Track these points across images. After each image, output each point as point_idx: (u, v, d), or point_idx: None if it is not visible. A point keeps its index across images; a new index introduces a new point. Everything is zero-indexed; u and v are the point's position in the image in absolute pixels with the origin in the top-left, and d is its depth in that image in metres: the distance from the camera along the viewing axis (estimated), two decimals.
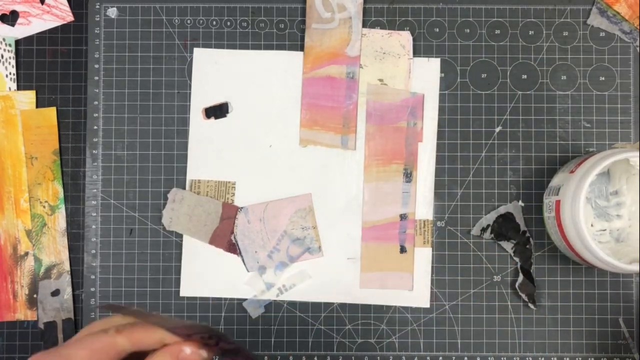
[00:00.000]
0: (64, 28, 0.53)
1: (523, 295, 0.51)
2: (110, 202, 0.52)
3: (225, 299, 0.52)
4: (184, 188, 0.52)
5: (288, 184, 0.52)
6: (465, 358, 0.52)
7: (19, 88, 0.53)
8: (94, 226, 0.52)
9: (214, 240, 0.52)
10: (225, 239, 0.52)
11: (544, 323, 0.52)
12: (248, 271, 0.52)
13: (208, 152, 0.52)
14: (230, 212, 0.52)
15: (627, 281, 0.52)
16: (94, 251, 0.52)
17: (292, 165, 0.52)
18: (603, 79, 0.52)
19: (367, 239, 0.52)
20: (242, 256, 0.52)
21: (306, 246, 0.52)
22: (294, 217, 0.51)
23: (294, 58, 0.52)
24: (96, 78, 0.53)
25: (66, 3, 0.53)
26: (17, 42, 0.53)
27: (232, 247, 0.52)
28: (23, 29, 0.53)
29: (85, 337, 0.35)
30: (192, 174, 0.52)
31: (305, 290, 0.52)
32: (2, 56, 0.53)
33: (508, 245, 0.52)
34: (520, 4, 0.53)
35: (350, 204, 0.52)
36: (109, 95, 0.53)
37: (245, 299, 0.52)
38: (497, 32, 0.53)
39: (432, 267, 0.52)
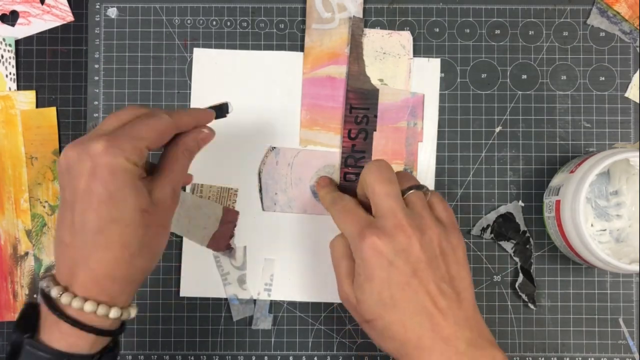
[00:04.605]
0: (64, 28, 0.53)
1: (523, 295, 0.51)
2: None
3: (225, 299, 0.52)
4: (184, 188, 0.52)
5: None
6: None
7: (19, 88, 0.53)
8: None
9: (212, 244, 0.52)
10: (223, 242, 0.52)
11: (544, 323, 0.52)
12: (263, 210, 0.52)
13: (208, 153, 0.52)
14: (230, 217, 0.52)
15: (627, 281, 0.52)
16: None
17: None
18: (603, 79, 0.52)
19: None
20: (261, 194, 0.52)
21: None
22: (321, 171, 0.52)
23: (294, 58, 0.52)
24: (96, 78, 0.53)
25: (66, 3, 0.53)
26: (17, 42, 0.53)
27: (230, 252, 0.52)
28: (23, 29, 0.53)
29: (147, 120, 0.39)
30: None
31: (306, 290, 0.52)
32: (2, 56, 0.53)
33: (508, 245, 0.52)
34: (520, 4, 0.53)
35: None
36: (109, 95, 0.53)
37: (245, 299, 0.52)
38: (497, 32, 0.53)
39: None
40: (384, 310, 0.40)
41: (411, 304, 0.40)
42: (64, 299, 0.37)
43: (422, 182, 0.52)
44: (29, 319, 0.38)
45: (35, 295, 0.52)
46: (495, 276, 0.52)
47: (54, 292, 0.37)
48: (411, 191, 0.43)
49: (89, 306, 0.37)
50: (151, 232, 0.38)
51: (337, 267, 0.44)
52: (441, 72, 0.53)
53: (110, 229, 0.36)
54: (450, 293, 0.40)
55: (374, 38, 0.52)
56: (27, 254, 0.52)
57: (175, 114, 0.41)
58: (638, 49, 0.52)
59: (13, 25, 0.53)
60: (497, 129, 0.52)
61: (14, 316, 0.52)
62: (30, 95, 0.53)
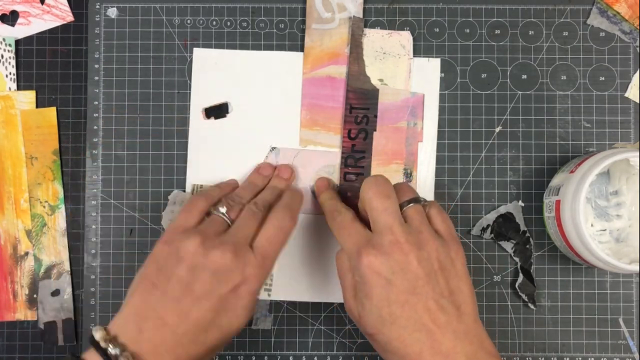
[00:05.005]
0: (64, 28, 0.53)
1: (523, 295, 0.51)
2: (110, 202, 0.52)
3: None
4: (184, 188, 0.52)
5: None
6: None
7: (19, 88, 0.53)
8: (94, 226, 0.52)
9: None
10: None
11: (544, 323, 0.52)
12: None
13: (208, 153, 0.52)
14: None
15: (627, 281, 0.52)
16: (94, 251, 0.52)
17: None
18: (603, 79, 0.52)
19: None
20: None
21: None
22: (321, 171, 0.52)
23: (294, 58, 0.52)
24: (96, 78, 0.53)
25: (66, 3, 0.53)
26: (17, 42, 0.53)
27: None
28: (23, 29, 0.53)
29: (279, 240, 0.44)
30: (192, 175, 0.52)
31: (306, 290, 0.52)
32: (2, 56, 0.53)
33: (508, 245, 0.52)
34: (520, 4, 0.53)
35: None
36: (109, 95, 0.53)
37: None
38: (497, 32, 0.53)
39: None
40: (384, 326, 0.40)
41: (410, 321, 0.40)
42: None
43: (422, 183, 0.52)
44: None
45: (35, 295, 0.52)
46: (495, 276, 0.52)
47: None
48: (410, 205, 0.43)
49: None
50: (228, 341, 0.42)
51: (342, 281, 0.44)
52: (441, 72, 0.53)
53: (218, 331, 0.40)
54: (449, 308, 0.40)
55: (374, 38, 0.52)
56: (27, 254, 0.52)
57: (293, 222, 0.45)
58: (638, 49, 0.52)
59: (13, 25, 0.53)
60: (497, 129, 0.52)
61: (14, 316, 0.52)
62: (30, 95, 0.53)
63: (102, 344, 0.38)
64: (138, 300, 0.40)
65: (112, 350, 0.37)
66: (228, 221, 0.44)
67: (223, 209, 0.44)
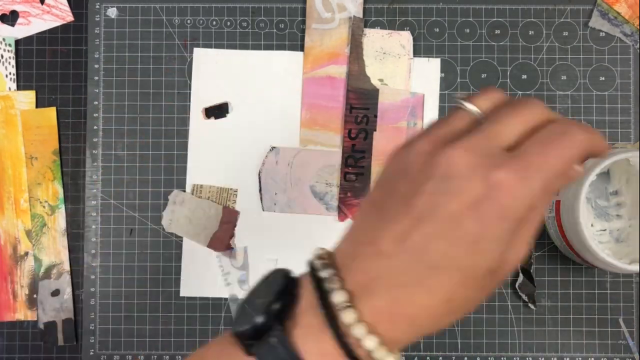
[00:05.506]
0: (64, 28, 0.53)
1: (523, 295, 0.51)
2: (110, 202, 0.52)
3: (225, 299, 0.52)
4: (184, 188, 0.52)
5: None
6: (465, 358, 0.52)
7: (19, 88, 0.53)
8: (94, 226, 0.52)
9: (213, 244, 0.52)
10: (223, 242, 0.52)
11: (544, 323, 0.52)
12: (263, 210, 0.52)
13: (208, 153, 0.52)
14: (230, 217, 0.52)
15: (627, 281, 0.52)
16: (94, 251, 0.52)
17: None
18: (603, 79, 0.52)
19: None
20: (261, 194, 0.52)
21: (325, 203, 0.52)
22: (322, 171, 0.52)
23: (294, 58, 0.52)
24: (96, 78, 0.53)
25: (66, 3, 0.53)
26: (17, 42, 0.53)
27: (231, 252, 0.52)
28: (23, 29, 0.53)
29: (561, 143, 0.27)
30: (192, 175, 0.52)
31: None
32: (2, 56, 0.52)
33: None
34: (520, 4, 0.53)
35: None
36: (109, 95, 0.53)
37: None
38: (497, 32, 0.53)
39: None
40: None
41: None
42: (348, 317, 0.27)
43: None
44: (285, 304, 0.29)
45: (35, 295, 0.52)
46: None
47: (339, 298, 0.27)
48: None
49: (370, 342, 0.27)
50: (477, 297, 0.28)
51: None
52: (441, 72, 0.53)
53: (450, 273, 0.27)
54: None
55: (374, 38, 0.52)
56: (26, 254, 0.52)
57: (594, 134, 0.28)
58: (638, 49, 0.52)
59: (13, 25, 0.53)
60: None
61: (14, 316, 0.52)
62: (30, 95, 0.53)
63: (315, 262, 0.29)
64: (358, 221, 0.30)
65: (322, 272, 0.28)
66: (478, 115, 0.29)
67: (470, 102, 0.29)
